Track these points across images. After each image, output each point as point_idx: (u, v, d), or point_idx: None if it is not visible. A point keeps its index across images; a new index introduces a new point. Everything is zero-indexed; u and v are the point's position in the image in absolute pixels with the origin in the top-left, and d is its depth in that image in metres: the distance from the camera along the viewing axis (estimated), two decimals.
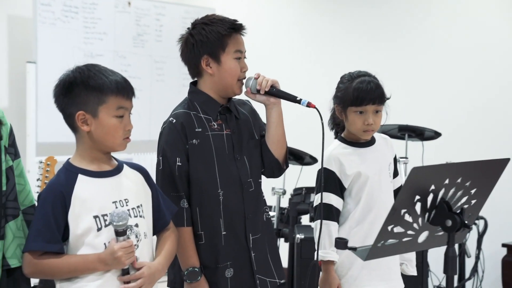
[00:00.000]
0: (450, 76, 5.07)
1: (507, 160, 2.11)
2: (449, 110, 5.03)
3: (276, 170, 2.46)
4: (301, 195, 4.10)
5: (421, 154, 4.07)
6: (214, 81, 2.37)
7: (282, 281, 2.45)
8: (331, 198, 2.56)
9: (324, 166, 2.59)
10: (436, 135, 4.06)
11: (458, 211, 2.04)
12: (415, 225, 2.05)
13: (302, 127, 5.49)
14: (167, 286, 2.44)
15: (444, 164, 2.10)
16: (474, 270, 4.33)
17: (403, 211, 1.99)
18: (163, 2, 5.83)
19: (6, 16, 4.91)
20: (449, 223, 2.02)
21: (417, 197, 1.99)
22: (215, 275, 2.33)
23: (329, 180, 2.57)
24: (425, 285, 3.50)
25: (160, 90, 5.89)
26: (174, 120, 2.33)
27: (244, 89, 2.41)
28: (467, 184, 2.05)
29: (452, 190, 2.03)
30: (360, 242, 2.46)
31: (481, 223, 4.34)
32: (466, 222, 2.03)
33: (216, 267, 2.33)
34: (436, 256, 3.86)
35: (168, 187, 2.29)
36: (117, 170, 2.09)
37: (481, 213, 4.34)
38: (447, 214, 2.02)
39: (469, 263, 4.42)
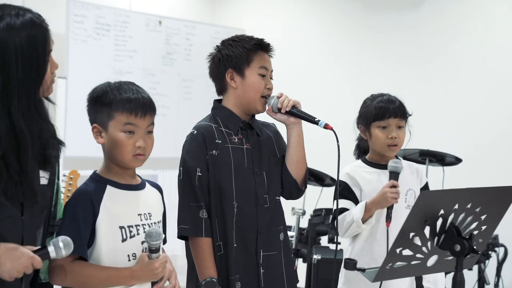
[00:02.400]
0: (473, 103, 5.07)
1: None
2: (471, 137, 5.03)
3: (295, 191, 2.48)
4: (320, 216, 4.13)
5: (441, 179, 4.08)
6: (238, 95, 2.41)
7: None
8: (345, 204, 2.62)
9: (340, 178, 2.66)
10: (457, 160, 4.07)
11: (467, 237, 2.06)
12: (424, 248, 2.07)
13: (323, 148, 5.53)
14: None
15: (453, 189, 2.12)
16: None
17: (411, 234, 2.02)
18: (194, 22, 5.94)
19: None
20: (458, 247, 2.03)
21: (426, 221, 2.01)
22: (227, 287, 2.34)
23: (344, 190, 2.65)
24: None
25: (188, 108, 5.98)
26: (196, 132, 2.38)
27: (266, 107, 2.45)
28: (477, 210, 2.07)
29: (461, 215, 2.05)
30: (367, 263, 2.50)
31: (501, 250, 4.31)
32: (474, 247, 2.04)
33: (228, 278, 2.35)
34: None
35: (188, 197, 2.33)
36: (141, 185, 2.16)
37: (501, 241, 4.33)
38: (456, 239, 2.04)
39: None
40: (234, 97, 2.43)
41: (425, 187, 2.75)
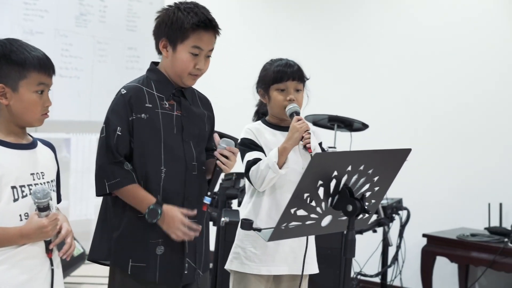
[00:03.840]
0: (380, 70, 5.20)
1: (409, 150, 2.20)
2: (377, 103, 5.18)
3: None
4: (231, 180, 4.16)
5: (349, 144, 4.18)
6: (167, 64, 2.41)
7: (202, 274, 2.47)
8: (257, 154, 2.65)
9: (242, 136, 2.72)
10: (363, 126, 4.18)
11: (359, 197, 2.13)
12: (318, 209, 2.13)
13: (236, 114, 5.56)
14: (88, 259, 2.45)
15: (346, 151, 2.18)
16: (395, 258, 4.48)
17: (306, 195, 2.07)
18: None
19: None
20: (350, 208, 2.10)
21: (320, 182, 2.07)
22: (145, 250, 2.34)
23: (251, 144, 2.68)
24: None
25: (102, 71, 5.86)
26: (125, 92, 2.35)
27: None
28: (370, 171, 2.13)
29: (355, 177, 2.11)
30: (265, 221, 2.58)
31: (404, 213, 4.49)
32: (366, 207, 2.12)
33: (148, 242, 2.34)
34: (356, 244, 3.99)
35: (108, 155, 2.31)
36: (33, 144, 2.13)
37: (404, 204, 4.50)
38: (348, 199, 2.11)
39: (392, 252, 4.58)
40: (166, 64, 2.42)
41: (319, 145, 2.80)
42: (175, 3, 2.42)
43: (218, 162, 2.37)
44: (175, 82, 2.42)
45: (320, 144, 2.82)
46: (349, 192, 2.11)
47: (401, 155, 2.22)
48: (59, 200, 2.23)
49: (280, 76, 2.68)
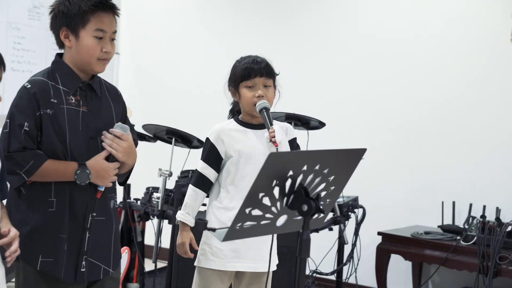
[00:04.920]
0: (336, 69, 5.22)
1: (364, 150, 2.20)
2: (334, 102, 5.20)
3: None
4: (187, 177, 4.12)
5: (306, 142, 4.18)
6: (72, 55, 2.36)
7: (112, 272, 2.47)
8: (203, 168, 2.71)
9: (208, 136, 2.77)
10: (320, 124, 4.18)
11: (315, 197, 2.12)
12: (273, 208, 2.11)
13: (193, 111, 5.52)
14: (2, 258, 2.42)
15: (302, 151, 2.17)
16: (350, 256, 4.50)
17: (261, 194, 2.04)
18: None
19: None
20: (305, 207, 2.09)
21: (275, 181, 2.05)
22: (55, 245, 2.33)
23: (209, 151, 2.72)
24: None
25: None
26: (29, 86, 2.30)
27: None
28: (325, 171, 2.12)
29: (310, 177, 2.10)
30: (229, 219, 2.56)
31: (360, 212, 4.51)
32: (321, 207, 2.11)
33: (59, 236, 2.34)
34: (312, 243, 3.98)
35: (13, 148, 2.27)
36: None
37: (360, 203, 4.53)
38: (303, 199, 2.09)
39: (348, 250, 4.60)
40: (70, 55, 2.37)
41: (293, 141, 2.82)
42: None
43: (103, 137, 2.37)
44: (83, 73, 2.39)
45: (294, 139, 2.84)
46: (304, 191, 2.10)
47: (356, 155, 2.21)
48: (4, 195, 2.18)
49: (248, 73, 2.71)
